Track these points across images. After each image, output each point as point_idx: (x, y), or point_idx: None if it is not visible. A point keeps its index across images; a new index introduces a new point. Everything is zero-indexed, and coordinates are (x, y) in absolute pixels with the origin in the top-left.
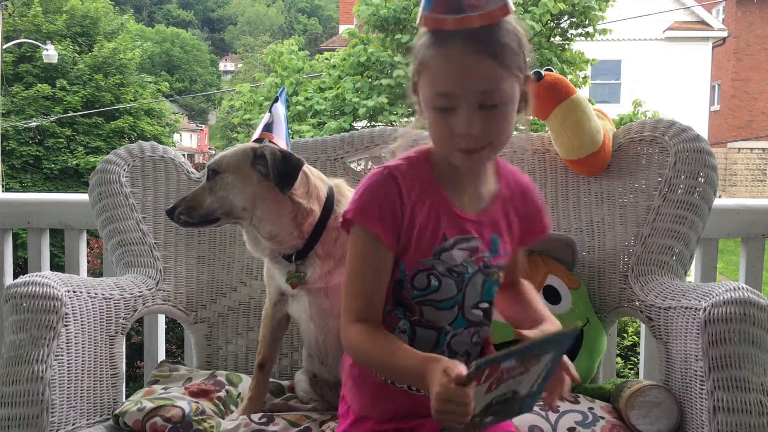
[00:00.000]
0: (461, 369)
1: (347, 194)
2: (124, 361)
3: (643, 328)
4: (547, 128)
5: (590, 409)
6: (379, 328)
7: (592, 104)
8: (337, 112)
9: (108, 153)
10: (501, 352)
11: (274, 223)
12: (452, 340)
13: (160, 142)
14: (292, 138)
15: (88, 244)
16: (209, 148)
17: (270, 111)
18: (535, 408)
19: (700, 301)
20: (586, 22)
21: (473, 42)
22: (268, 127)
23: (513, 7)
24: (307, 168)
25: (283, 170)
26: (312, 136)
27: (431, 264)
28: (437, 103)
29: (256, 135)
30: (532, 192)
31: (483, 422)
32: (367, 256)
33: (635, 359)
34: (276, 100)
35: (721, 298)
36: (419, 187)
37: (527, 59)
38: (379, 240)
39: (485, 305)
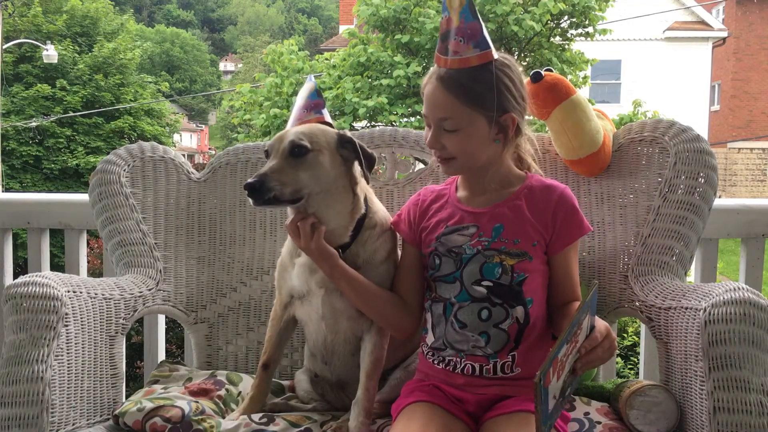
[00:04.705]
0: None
1: (374, 199)
2: (124, 361)
3: (643, 328)
4: (547, 129)
5: (586, 414)
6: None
7: (592, 104)
8: (337, 112)
9: (108, 153)
10: (553, 348)
11: (337, 213)
12: (458, 312)
13: (160, 142)
14: None
15: (88, 244)
16: (209, 148)
17: (319, 96)
18: None
19: (700, 302)
20: (586, 22)
21: (442, 79)
22: (319, 110)
23: (494, 55)
24: None
25: (365, 157)
26: None
27: (435, 246)
28: (424, 120)
29: (305, 117)
30: (562, 200)
31: (565, 397)
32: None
33: (635, 359)
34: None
35: (721, 298)
36: (442, 195)
37: (514, 100)
38: (402, 235)
39: (488, 283)
